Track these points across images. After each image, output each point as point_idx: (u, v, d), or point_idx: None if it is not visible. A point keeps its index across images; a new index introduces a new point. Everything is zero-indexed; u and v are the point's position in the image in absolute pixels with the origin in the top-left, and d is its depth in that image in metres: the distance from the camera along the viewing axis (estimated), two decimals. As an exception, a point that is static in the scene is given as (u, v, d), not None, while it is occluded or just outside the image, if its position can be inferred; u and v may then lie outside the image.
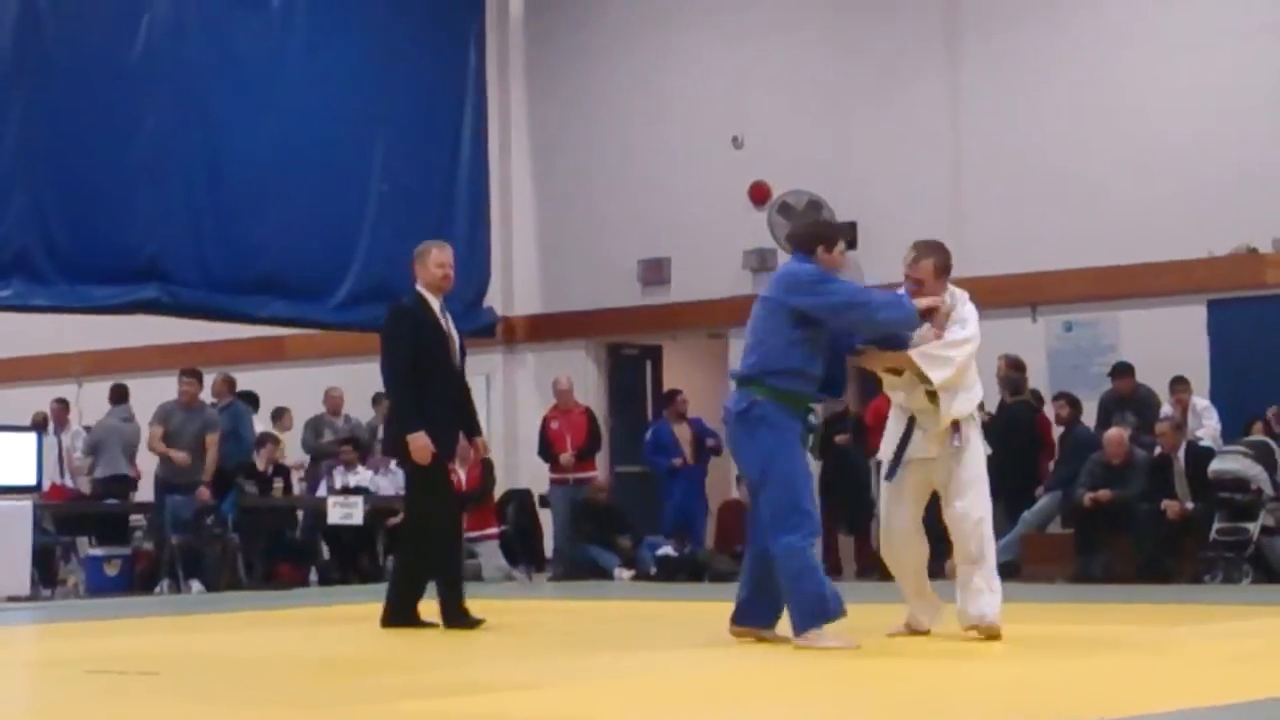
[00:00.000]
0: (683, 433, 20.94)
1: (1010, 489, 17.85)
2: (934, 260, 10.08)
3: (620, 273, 22.57)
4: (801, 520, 9.50)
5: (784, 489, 9.54)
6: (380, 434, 20.94)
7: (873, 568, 19.29)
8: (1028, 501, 18.19)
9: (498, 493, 20.80)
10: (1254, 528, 16.22)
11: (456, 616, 11.51)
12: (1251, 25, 19.23)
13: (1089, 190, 19.51)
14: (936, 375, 9.77)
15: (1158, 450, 17.61)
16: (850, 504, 19.73)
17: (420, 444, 11.50)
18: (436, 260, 11.89)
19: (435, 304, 11.82)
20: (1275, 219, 18.66)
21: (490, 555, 19.83)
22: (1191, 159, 19.05)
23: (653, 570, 19.63)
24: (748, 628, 9.91)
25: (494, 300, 22.62)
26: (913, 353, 9.81)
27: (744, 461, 9.88)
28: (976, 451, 9.88)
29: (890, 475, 9.96)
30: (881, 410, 19.63)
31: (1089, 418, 18.82)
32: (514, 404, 23.19)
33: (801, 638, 9.44)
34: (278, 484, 20.34)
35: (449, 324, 11.88)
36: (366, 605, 15.18)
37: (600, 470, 21.48)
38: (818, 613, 9.46)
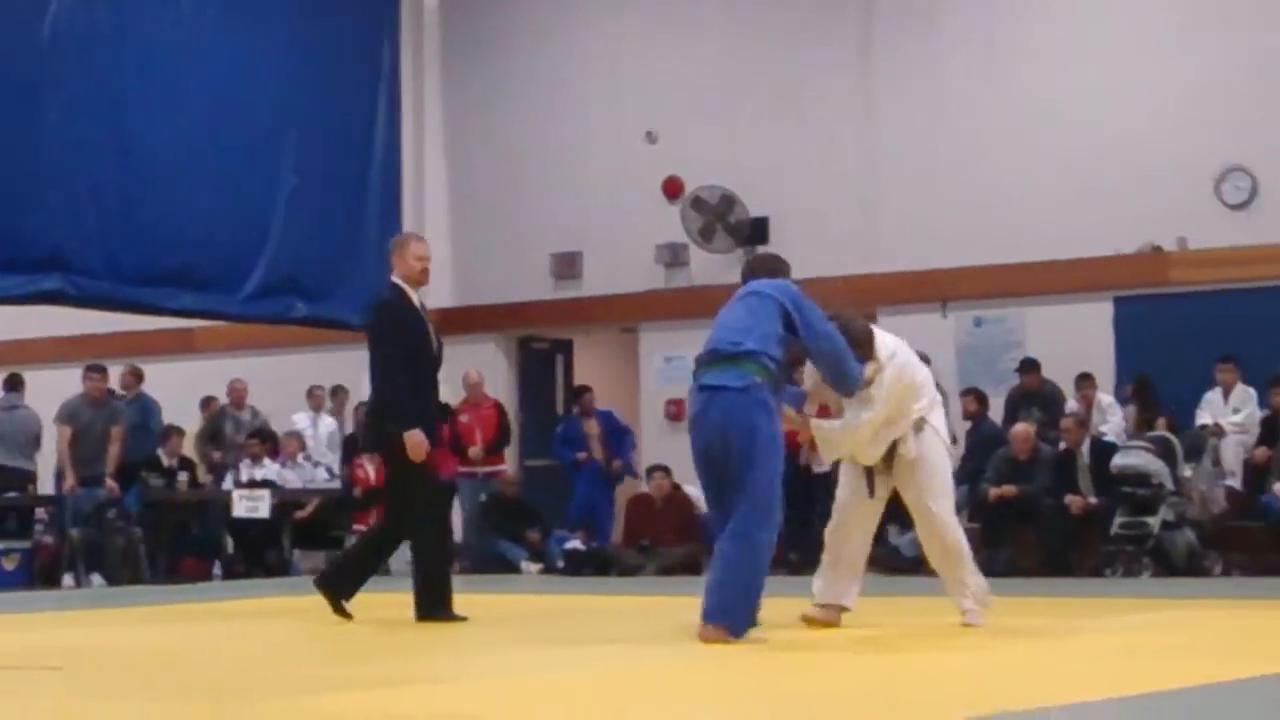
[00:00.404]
0: (590, 428, 20.97)
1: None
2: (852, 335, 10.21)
3: (532, 266, 22.57)
4: (776, 522, 9.56)
5: (771, 485, 9.50)
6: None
7: (782, 562, 19.40)
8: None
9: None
10: (1154, 522, 16.36)
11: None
12: (1157, 29, 19.45)
13: (999, 188, 19.65)
14: (828, 456, 10.32)
15: (1063, 445, 17.76)
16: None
17: (417, 441, 11.30)
18: (415, 252, 11.69)
19: (414, 297, 11.62)
20: (1180, 219, 18.84)
21: (399, 549, 19.74)
22: (1099, 159, 19.22)
23: (560, 564, 19.63)
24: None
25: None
26: (814, 427, 10.21)
27: (740, 439, 9.45)
28: (932, 454, 10.07)
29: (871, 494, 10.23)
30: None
31: (996, 413, 18.95)
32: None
33: (713, 629, 9.34)
34: (183, 477, 20.23)
35: (428, 319, 11.73)
36: (273, 599, 15.19)
37: (509, 464, 21.48)
38: (746, 620, 9.43)
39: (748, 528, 9.37)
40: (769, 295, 9.81)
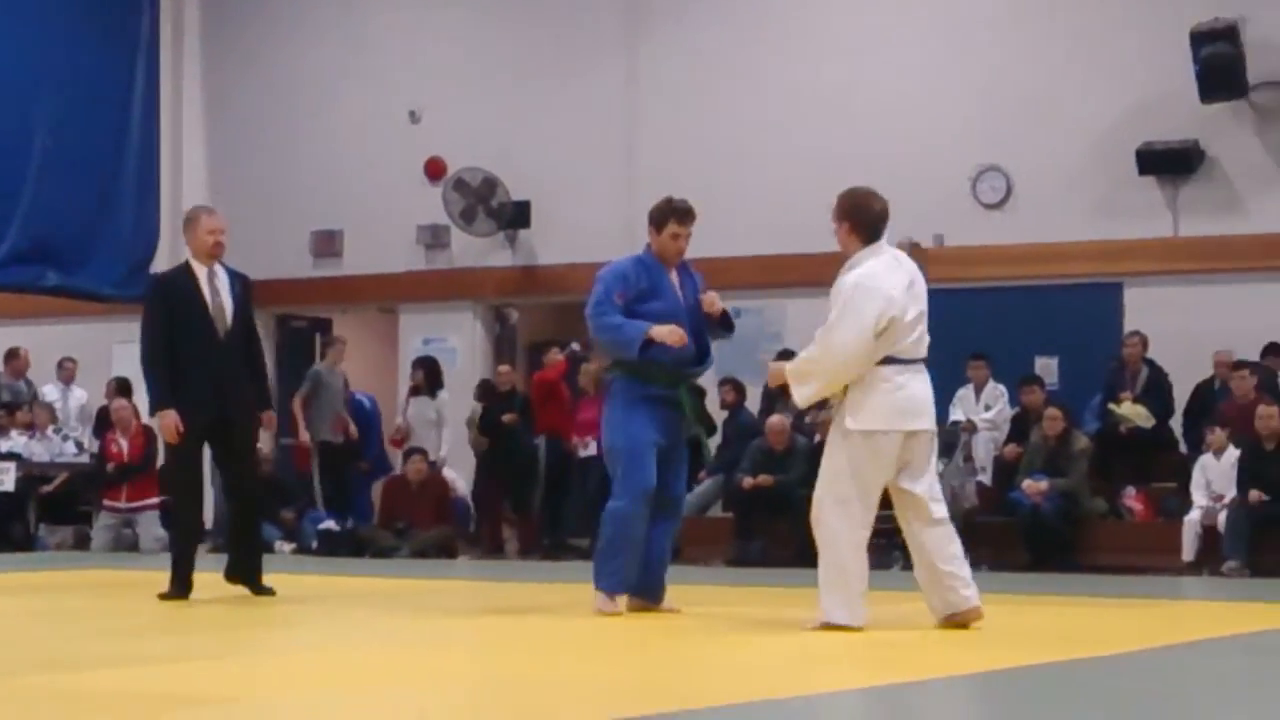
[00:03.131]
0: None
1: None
2: (836, 205, 9.50)
3: (292, 244, 22.34)
4: (628, 487, 9.91)
5: (616, 455, 10.02)
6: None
7: (535, 547, 19.39)
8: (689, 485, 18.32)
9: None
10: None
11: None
12: (915, 29, 19.78)
13: (759, 180, 19.81)
14: (797, 398, 9.50)
15: (817, 438, 17.90)
16: (516, 484, 19.73)
17: (167, 423, 11.23)
18: (207, 227, 11.48)
19: (203, 273, 11.41)
20: (937, 217, 19.11)
21: (149, 526, 19.46)
22: (859, 155, 19.38)
23: (314, 544, 19.43)
24: (642, 603, 10.23)
25: (161, 266, 22.13)
26: (787, 368, 9.54)
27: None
28: (833, 432, 9.40)
29: None
30: (546, 382, 19.76)
31: (753, 404, 19.09)
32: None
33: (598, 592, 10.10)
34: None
35: (222, 294, 11.46)
36: (17, 575, 14.85)
37: (264, 442, 21.16)
38: (602, 576, 10.08)
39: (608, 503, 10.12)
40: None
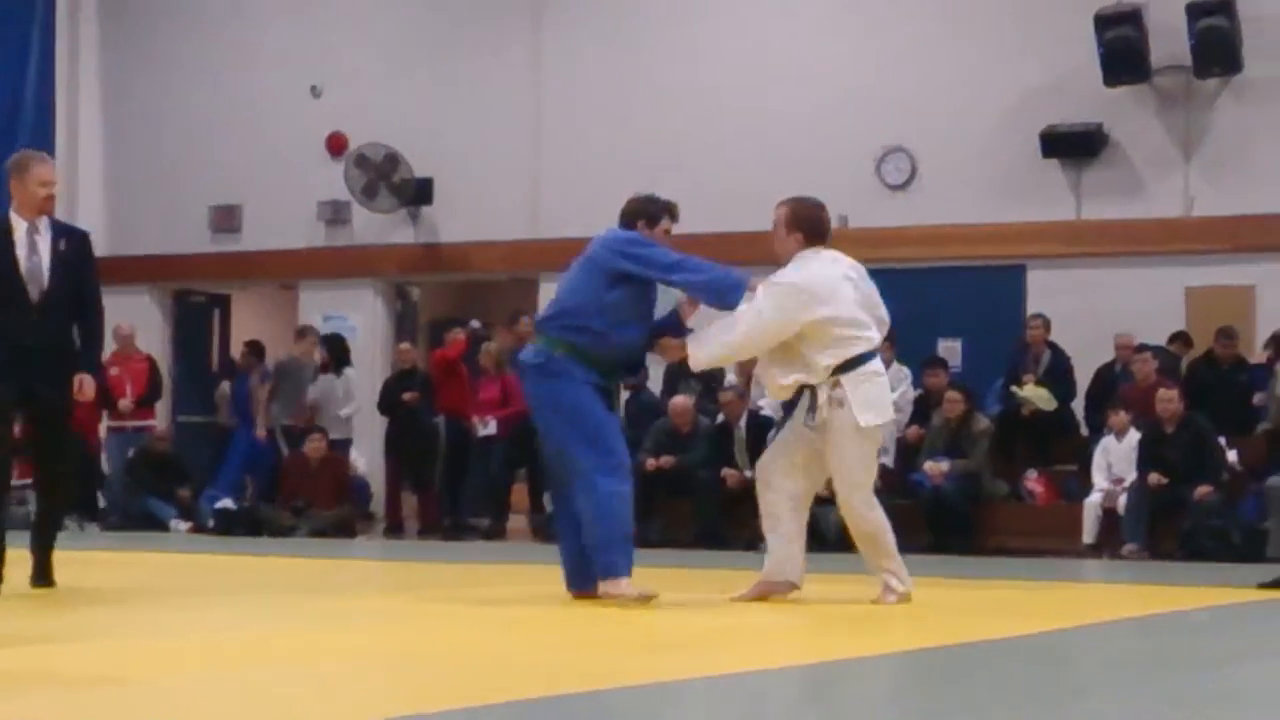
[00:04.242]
0: (256, 386, 20.49)
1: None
2: (787, 209, 9.78)
3: (191, 219, 22.12)
4: (616, 466, 9.45)
5: (594, 437, 9.40)
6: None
7: (435, 527, 19.28)
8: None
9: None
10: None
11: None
12: (822, 10, 19.85)
13: (663, 159, 19.69)
14: (697, 353, 9.61)
15: (720, 419, 17.87)
16: (416, 462, 19.61)
17: None
18: (39, 177, 10.09)
19: (21, 229, 10.04)
20: (842, 198, 19.00)
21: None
22: (765, 136, 19.45)
23: (210, 523, 19.25)
24: (586, 591, 9.63)
25: (56, 241, 21.87)
26: (689, 339, 9.65)
27: (543, 419, 9.57)
28: (843, 433, 9.47)
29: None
30: (446, 361, 19.64)
31: (656, 384, 19.02)
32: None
33: (611, 583, 9.39)
34: None
35: (41, 252, 10.08)
36: None
37: (161, 419, 21.00)
38: (625, 562, 9.45)
39: (587, 489, 9.41)
40: (592, 258, 9.69)
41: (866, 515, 9.63)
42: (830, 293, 9.54)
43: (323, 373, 20.04)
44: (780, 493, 9.71)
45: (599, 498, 9.39)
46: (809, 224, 9.75)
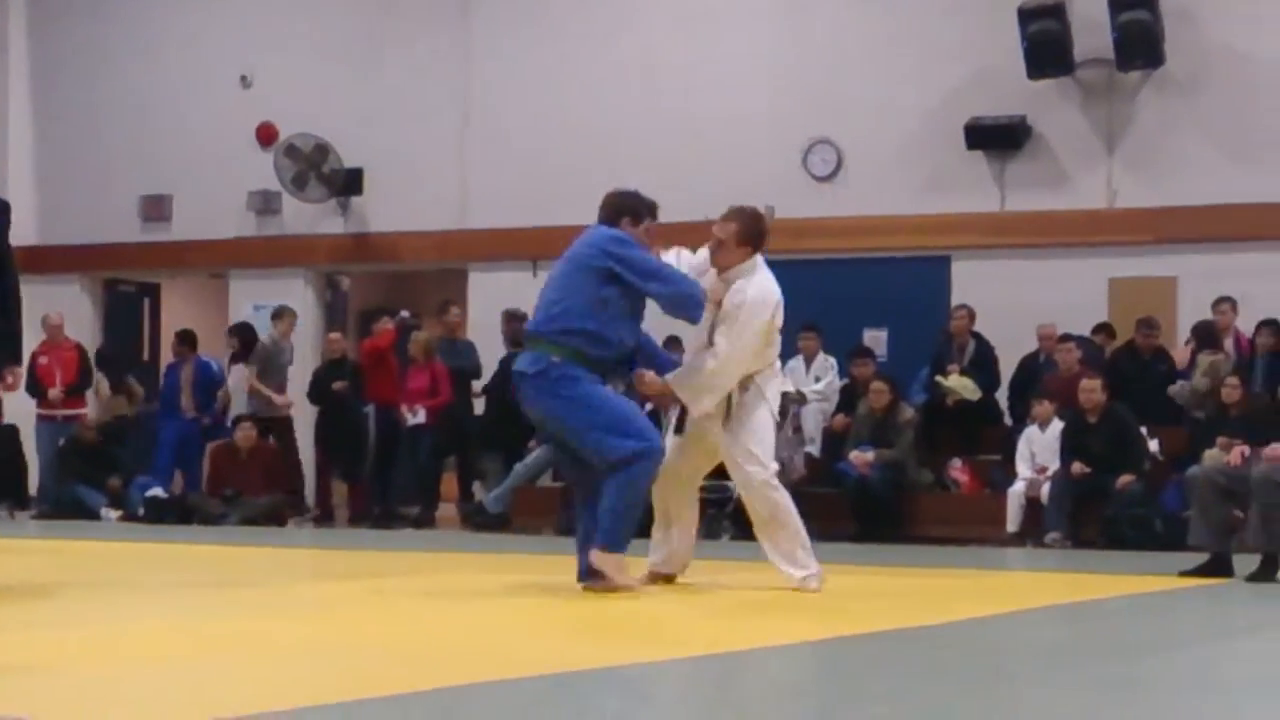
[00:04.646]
0: (187, 375, 20.50)
1: (507, 441, 18.09)
2: (738, 225, 9.82)
3: (120, 208, 22.07)
4: (650, 451, 9.28)
5: (622, 425, 9.24)
6: None
7: (365, 515, 19.32)
8: (521, 454, 18.30)
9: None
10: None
11: None
12: (750, 1, 19.89)
13: (591, 150, 19.79)
14: (695, 409, 9.74)
15: (648, 406, 17.94)
16: (348, 451, 19.64)
17: None
18: None
19: None
20: (769, 189, 19.18)
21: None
22: (691, 127, 19.55)
23: (140, 511, 19.24)
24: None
25: (-14, 229, 21.75)
26: (672, 380, 9.74)
27: (556, 424, 9.44)
28: (756, 420, 9.77)
29: (678, 430, 9.93)
30: (372, 348, 19.67)
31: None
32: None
33: (607, 556, 9.29)
34: None
35: None
36: None
37: (90, 408, 20.96)
38: (625, 542, 9.38)
39: (619, 470, 9.21)
40: (582, 259, 9.49)
41: (769, 496, 9.85)
42: (777, 299, 9.86)
43: (234, 362, 20.09)
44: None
45: (631, 476, 9.24)
46: (758, 237, 9.91)
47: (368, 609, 9.08)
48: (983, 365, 17.98)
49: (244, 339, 20.08)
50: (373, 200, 21.13)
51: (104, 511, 19.36)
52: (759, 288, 9.73)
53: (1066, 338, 17.66)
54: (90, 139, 22.37)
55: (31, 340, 20.67)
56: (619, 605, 9.15)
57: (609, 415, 9.29)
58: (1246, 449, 11.87)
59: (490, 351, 18.96)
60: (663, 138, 19.62)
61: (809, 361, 18.51)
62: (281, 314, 20.19)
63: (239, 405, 19.84)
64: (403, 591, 10.16)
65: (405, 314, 20.05)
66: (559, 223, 19.46)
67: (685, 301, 9.52)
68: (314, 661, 6.76)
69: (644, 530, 9.84)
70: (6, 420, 20.76)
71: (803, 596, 9.59)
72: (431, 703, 5.61)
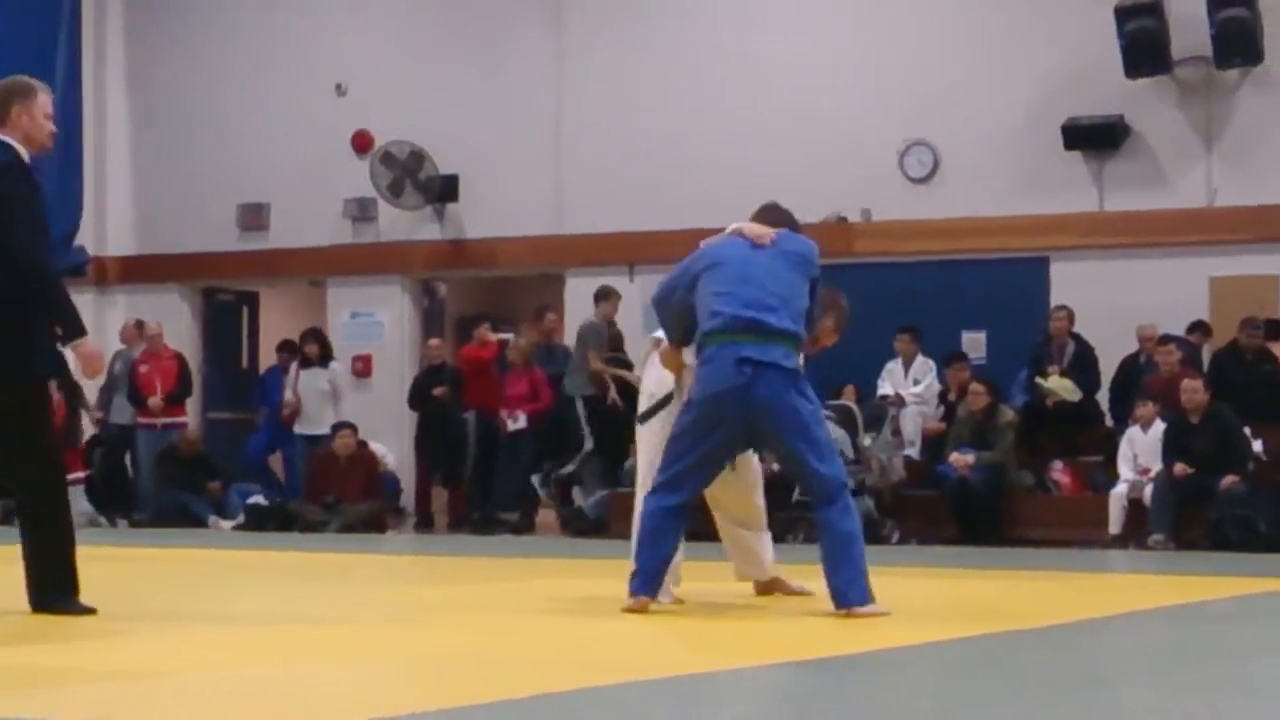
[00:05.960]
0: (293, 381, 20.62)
1: (606, 447, 18.10)
2: (834, 321, 9.51)
3: (218, 217, 22.21)
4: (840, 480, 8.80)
5: (826, 451, 8.77)
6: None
7: (464, 521, 19.39)
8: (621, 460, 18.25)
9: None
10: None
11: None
12: (843, 2, 19.83)
13: (688, 154, 19.79)
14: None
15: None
16: (447, 457, 19.71)
17: (91, 351, 8.56)
18: (45, 107, 8.55)
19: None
20: (864, 191, 19.21)
21: (75, 500, 19.29)
22: (787, 129, 19.47)
23: (241, 518, 19.36)
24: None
25: (85, 239, 21.99)
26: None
27: (796, 420, 8.62)
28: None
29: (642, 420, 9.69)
30: (475, 358, 19.76)
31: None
32: (104, 346, 22.63)
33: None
34: None
35: None
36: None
37: (191, 416, 21.13)
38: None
39: (828, 506, 8.67)
40: (795, 260, 8.91)
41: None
42: None
43: (305, 367, 20.19)
44: None
45: (851, 505, 8.77)
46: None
47: (491, 615, 9.10)
48: (1082, 366, 17.87)
49: (317, 343, 20.22)
50: (468, 206, 21.19)
51: (212, 520, 19.44)
52: None
53: (1166, 339, 17.52)
54: (187, 148, 22.53)
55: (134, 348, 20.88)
56: (721, 612, 9.15)
57: (833, 454, 8.89)
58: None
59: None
60: (758, 141, 19.57)
61: (907, 364, 18.44)
62: (607, 295, 19.71)
63: (328, 414, 19.88)
64: (530, 596, 10.16)
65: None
66: (655, 227, 19.58)
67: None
68: (445, 667, 6.84)
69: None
70: (116, 423, 20.92)
71: (907, 601, 9.51)
72: (574, 702, 5.64)
